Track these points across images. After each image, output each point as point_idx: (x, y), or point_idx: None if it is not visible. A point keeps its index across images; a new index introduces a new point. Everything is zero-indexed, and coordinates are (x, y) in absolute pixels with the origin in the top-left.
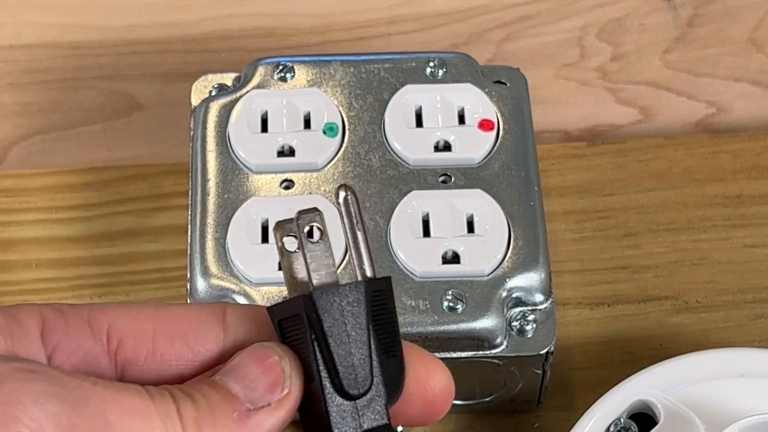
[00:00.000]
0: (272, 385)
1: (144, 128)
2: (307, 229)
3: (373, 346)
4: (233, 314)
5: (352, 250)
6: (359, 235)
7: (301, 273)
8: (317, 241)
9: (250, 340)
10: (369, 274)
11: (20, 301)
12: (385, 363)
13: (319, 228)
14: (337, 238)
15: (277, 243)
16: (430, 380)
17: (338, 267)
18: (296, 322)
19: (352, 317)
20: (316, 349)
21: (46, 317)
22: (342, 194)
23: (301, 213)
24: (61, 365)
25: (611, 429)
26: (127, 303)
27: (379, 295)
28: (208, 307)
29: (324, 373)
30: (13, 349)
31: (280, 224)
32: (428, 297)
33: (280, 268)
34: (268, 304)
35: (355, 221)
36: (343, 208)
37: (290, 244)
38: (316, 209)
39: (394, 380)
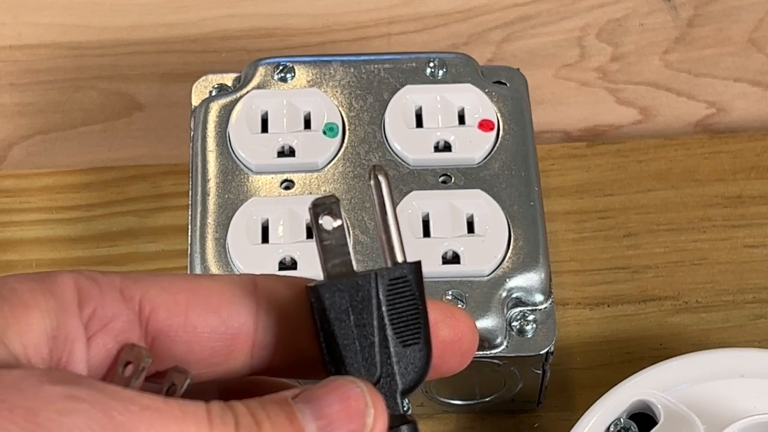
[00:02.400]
0: None
1: (144, 128)
2: (323, 217)
3: (387, 336)
4: (265, 286)
5: (382, 234)
6: (389, 218)
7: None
8: (332, 230)
9: (283, 313)
10: (399, 258)
11: None
12: (400, 353)
13: (335, 216)
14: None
15: (312, 224)
16: (460, 340)
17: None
18: (311, 310)
19: (360, 308)
20: (324, 339)
21: (81, 286)
22: (374, 175)
23: (317, 200)
24: (95, 335)
25: (611, 429)
26: (158, 273)
27: (398, 282)
28: (239, 279)
29: (331, 365)
30: (56, 329)
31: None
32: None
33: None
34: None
35: (386, 203)
36: (374, 190)
37: (328, 223)
38: (333, 196)
39: (412, 369)
